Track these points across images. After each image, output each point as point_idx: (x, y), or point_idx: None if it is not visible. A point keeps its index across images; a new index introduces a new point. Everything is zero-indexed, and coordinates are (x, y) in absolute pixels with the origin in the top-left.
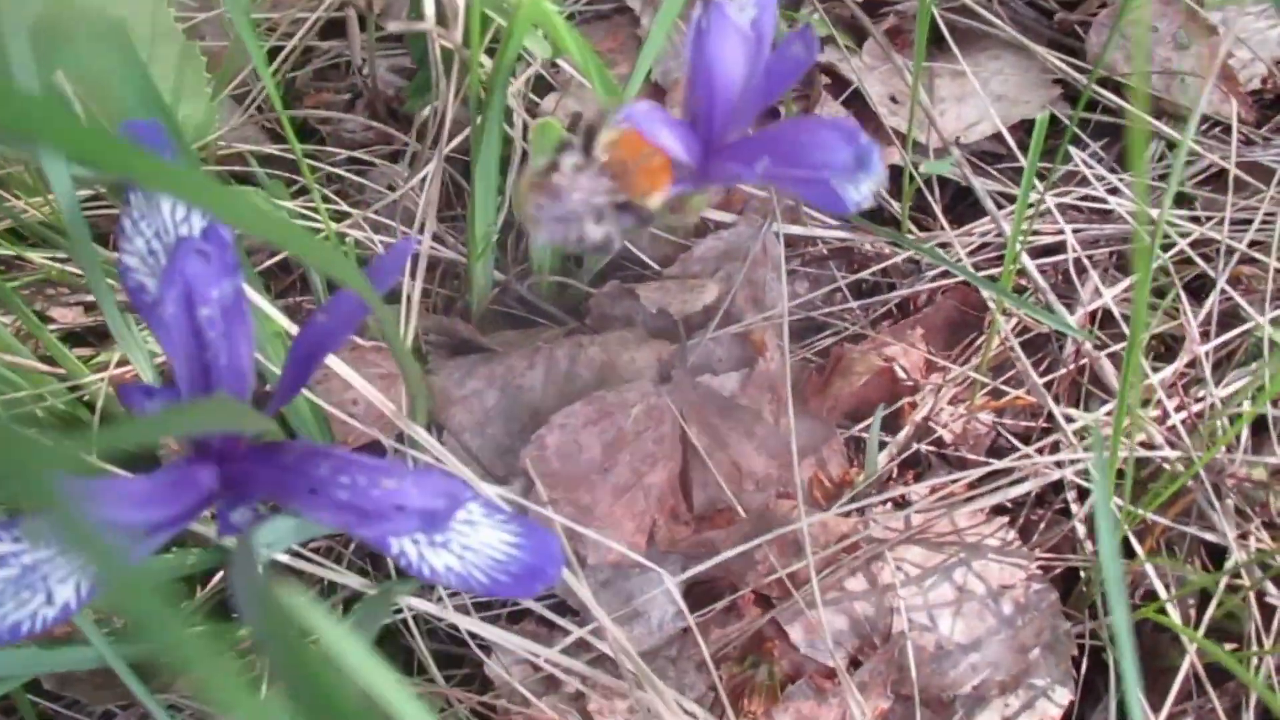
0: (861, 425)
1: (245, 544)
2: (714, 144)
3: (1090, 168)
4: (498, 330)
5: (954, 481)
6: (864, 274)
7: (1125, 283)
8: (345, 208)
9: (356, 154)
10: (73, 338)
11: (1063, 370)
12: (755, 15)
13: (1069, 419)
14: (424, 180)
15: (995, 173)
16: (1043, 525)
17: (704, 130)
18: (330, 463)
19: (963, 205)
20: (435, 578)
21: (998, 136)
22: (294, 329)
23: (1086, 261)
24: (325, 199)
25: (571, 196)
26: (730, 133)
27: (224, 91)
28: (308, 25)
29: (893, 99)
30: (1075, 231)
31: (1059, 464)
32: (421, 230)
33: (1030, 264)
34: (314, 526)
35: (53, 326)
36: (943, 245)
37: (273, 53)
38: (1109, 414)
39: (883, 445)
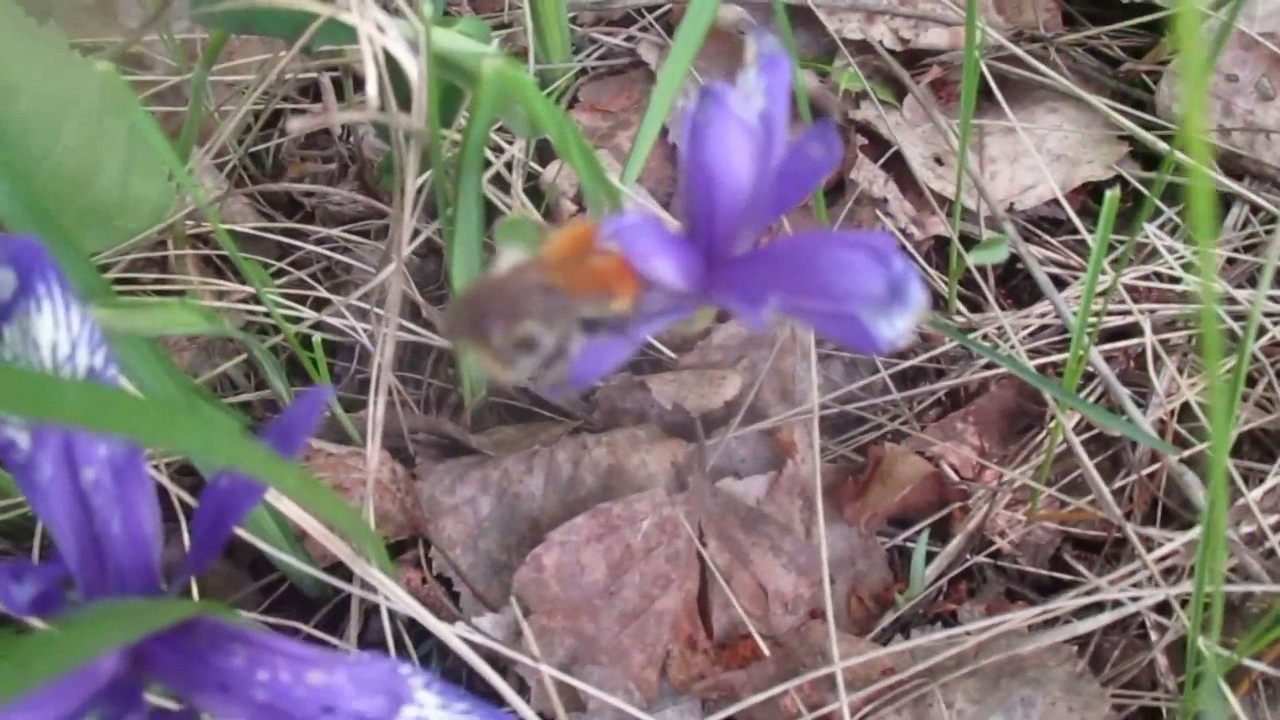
0: (906, 534)
1: None
2: (716, 259)
3: (1161, 239)
4: (496, 425)
5: (1012, 600)
6: (907, 361)
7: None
8: (324, 293)
9: (343, 230)
10: None
11: (1136, 475)
12: (764, 107)
13: (1146, 541)
14: (404, 264)
15: (1055, 243)
16: (1117, 654)
17: (704, 243)
18: (247, 651)
19: (1018, 279)
20: None
21: (1056, 201)
22: None
23: (1160, 348)
24: (304, 283)
25: (496, 314)
26: (736, 245)
27: (188, 165)
28: (268, 85)
29: (937, 160)
30: (1147, 313)
31: (1135, 596)
32: (405, 314)
33: (1097, 356)
34: None
35: None
36: (997, 327)
37: (260, 118)
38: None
39: (930, 557)
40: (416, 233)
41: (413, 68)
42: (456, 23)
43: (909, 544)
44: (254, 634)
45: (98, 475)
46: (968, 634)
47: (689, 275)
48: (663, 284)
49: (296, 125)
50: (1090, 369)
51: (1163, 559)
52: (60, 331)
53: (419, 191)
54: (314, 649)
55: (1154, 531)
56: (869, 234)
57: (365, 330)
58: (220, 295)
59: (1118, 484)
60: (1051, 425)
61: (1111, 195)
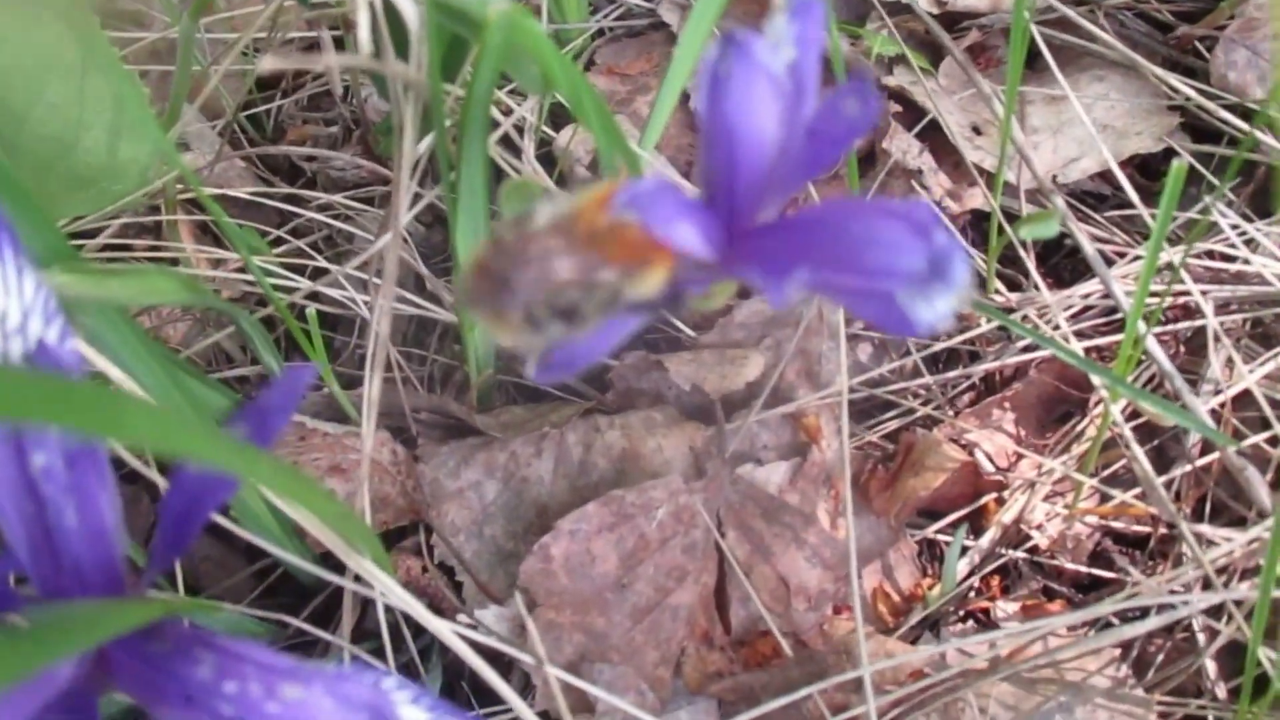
0: (937, 526)
1: None
2: (738, 228)
3: (1227, 216)
4: (503, 404)
5: (1049, 598)
6: (940, 343)
7: (1269, 359)
8: (323, 263)
9: (345, 197)
10: None
11: (1187, 466)
12: (793, 58)
13: (1202, 540)
14: (407, 231)
15: (1100, 219)
16: (1162, 658)
17: (724, 210)
18: (215, 660)
19: (1058, 256)
20: None
21: (1101, 175)
22: None
23: (1220, 331)
24: (304, 252)
25: (527, 279)
26: (759, 213)
27: (179, 126)
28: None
29: (975, 129)
30: (1208, 295)
31: (1184, 598)
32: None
33: (1152, 340)
34: None
35: None
36: (1038, 309)
37: (264, 78)
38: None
39: (963, 551)
40: (419, 198)
41: (410, 10)
42: None
43: (939, 537)
44: (224, 640)
45: (49, 461)
46: (1003, 634)
47: (711, 243)
48: (684, 255)
49: (269, 63)
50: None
51: (1216, 558)
52: (10, 299)
53: (422, 154)
54: (289, 660)
55: (1207, 529)
56: (908, 203)
57: (365, 302)
58: (216, 264)
59: (1164, 477)
60: (1096, 413)
61: (1178, 167)
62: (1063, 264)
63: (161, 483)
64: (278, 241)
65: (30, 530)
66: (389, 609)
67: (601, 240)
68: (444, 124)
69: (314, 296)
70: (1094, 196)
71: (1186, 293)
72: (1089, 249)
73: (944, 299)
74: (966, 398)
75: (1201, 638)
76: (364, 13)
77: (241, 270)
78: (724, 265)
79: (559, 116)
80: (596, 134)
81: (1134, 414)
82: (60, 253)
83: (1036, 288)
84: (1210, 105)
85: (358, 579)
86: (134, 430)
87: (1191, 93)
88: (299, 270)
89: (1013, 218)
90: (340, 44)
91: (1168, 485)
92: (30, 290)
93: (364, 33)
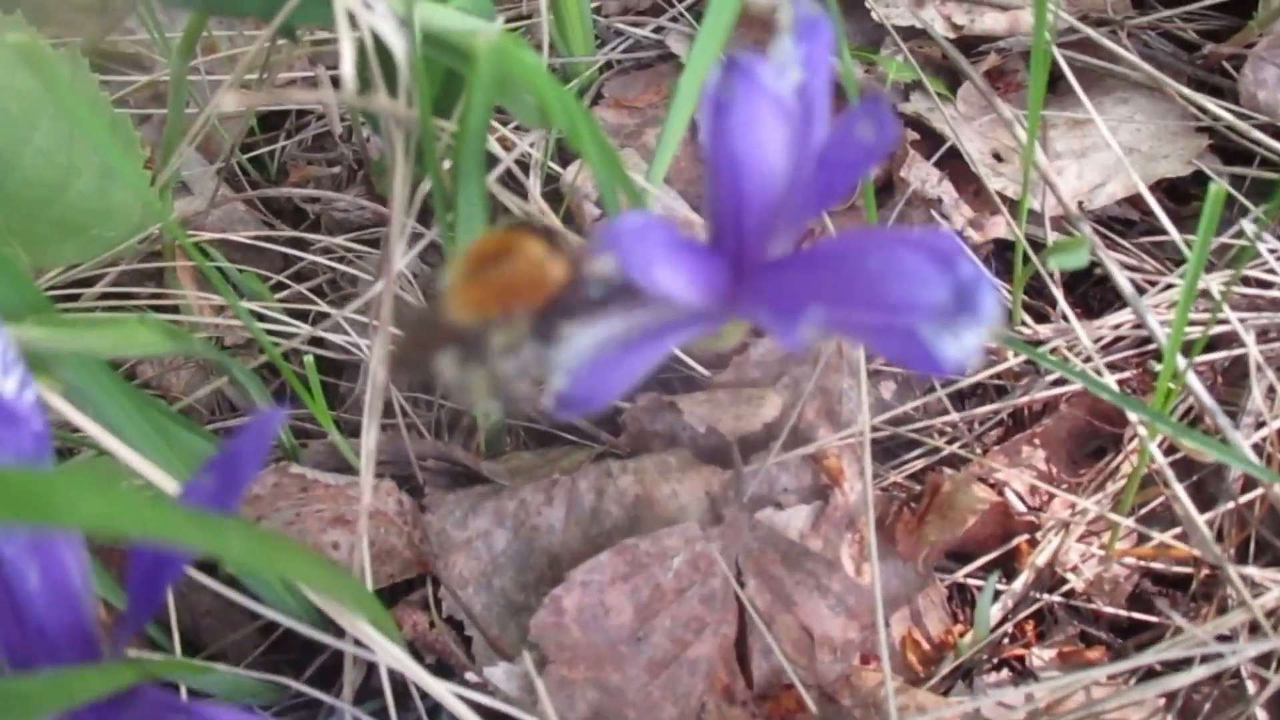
0: (967, 569)
1: None
2: (746, 264)
3: (1266, 242)
4: (512, 451)
5: (1086, 644)
6: (966, 379)
7: None
8: (325, 308)
9: (348, 239)
10: None
11: (1229, 504)
12: (802, 80)
13: (1249, 582)
14: (411, 271)
15: (1129, 246)
16: (1209, 707)
17: (731, 246)
18: None
19: (1086, 285)
20: None
21: (1128, 201)
22: None
23: (1261, 361)
24: (306, 297)
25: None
26: (769, 247)
27: (168, 171)
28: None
29: (996, 156)
30: (1248, 324)
31: (1233, 646)
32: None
33: (1193, 377)
34: None
35: None
36: (1068, 341)
37: (267, 118)
38: None
39: (995, 595)
40: (419, 237)
41: (397, 44)
42: None
43: (970, 580)
44: (203, 709)
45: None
46: (1040, 685)
47: (708, 286)
48: (673, 298)
49: (230, 101)
50: (1171, 386)
51: (1265, 602)
52: None
53: (422, 193)
54: None
55: (1254, 570)
56: (929, 233)
57: (369, 347)
58: (219, 310)
59: (1206, 516)
60: (1130, 448)
61: (1216, 190)
62: (1090, 293)
63: None
64: (280, 286)
65: None
66: (392, 670)
67: (471, 300)
68: (437, 162)
69: (316, 342)
70: (1121, 223)
71: (1222, 321)
72: (1122, 280)
73: (971, 333)
74: (994, 434)
75: (1251, 686)
76: (347, 44)
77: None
78: (732, 305)
79: (566, 152)
80: (595, 166)
81: (1170, 448)
82: (33, 304)
83: (1065, 319)
84: (1241, 125)
85: (348, 637)
86: (77, 515)
87: (1221, 113)
88: (303, 316)
89: (1038, 246)
90: (337, 81)
91: (1210, 524)
92: None
93: (348, 66)
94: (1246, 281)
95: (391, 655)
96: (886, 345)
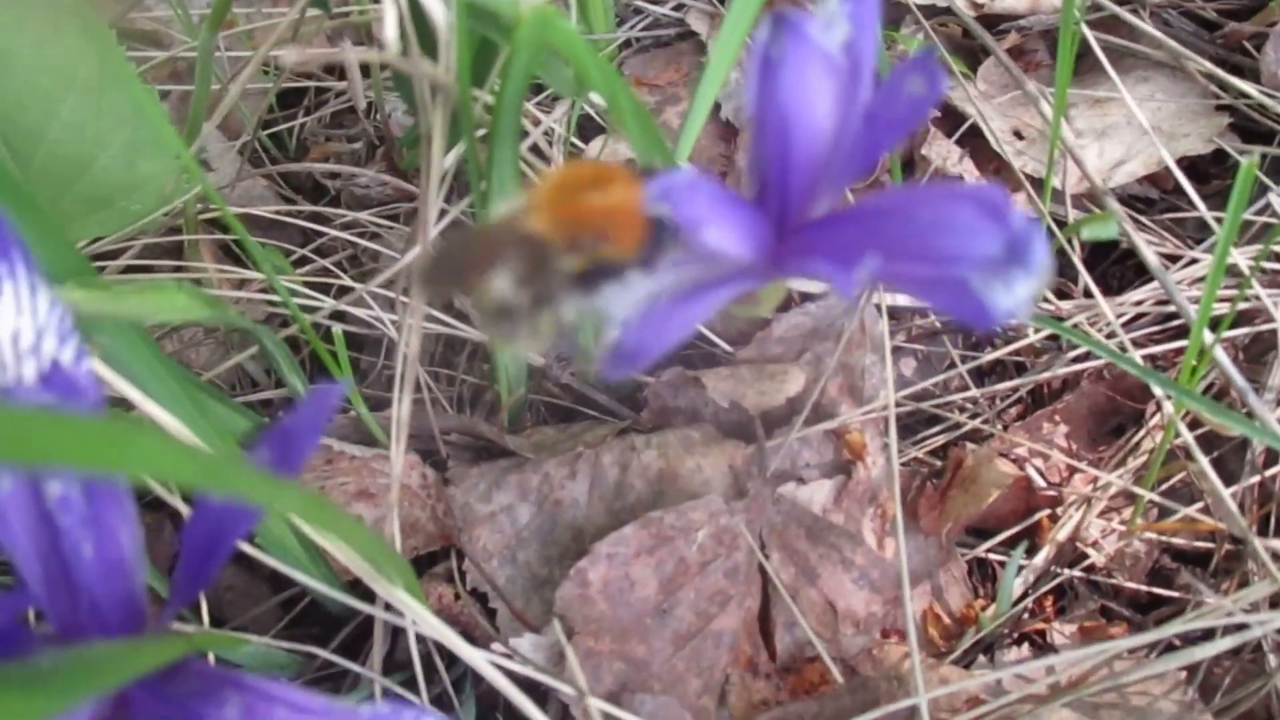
0: (987, 545)
1: None
2: (790, 223)
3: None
4: (534, 425)
5: (1106, 618)
6: (987, 353)
7: None
8: (348, 281)
9: (370, 214)
10: None
11: (1252, 479)
12: (849, 36)
13: (1275, 557)
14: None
15: (1150, 223)
16: (1229, 680)
17: (775, 205)
18: (242, 701)
19: (1106, 263)
20: None
21: (1149, 179)
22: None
23: None
24: (328, 271)
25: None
26: (813, 207)
27: (198, 143)
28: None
29: (1016, 134)
30: (1275, 298)
31: (1257, 617)
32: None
33: (1221, 353)
34: None
35: None
36: (1089, 317)
37: (286, 96)
38: None
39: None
40: (443, 213)
41: (439, 11)
42: None
43: (991, 556)
44: (252, 680)
45: (66, 491)
46: (1062, 659)
47: (755, 243)
48: (722, 253)
49: (292, 57)
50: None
51: None
52: (23, 318)
53: (448, 167)
54: (321, 700)
55: (1277, 543)
56: (979, 186)
57: (392, 321)
58: (240, 284)
59: (1229, 490)
60: (1152, 425)
61: (1247, 166)
62: (1110, 271)
63: (185, 510)
64: (301, 261)
65: (46, 564)
66: (420, 638)
67: (556, 220)
68: (473, 130)
69: (339, 316)
70: (1141, 200)
71: (1246, 298)
72: (1150, 255)
73: (1024, 284)
74: (1014, 411)
75: (1272, 659)
76: (390, 9)
77: (264, 291)
78: (776, 263)
79: (586, 128)
80: (634, 137)
81: (1193, 423)
82: (75, 269)
83: (1089, 295)
84: (1267, 102)
85: (388, 608)
86: (150, 465)
87: (1247, 89)
88: (324, 290)
89: (1059, 224)
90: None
91: (1231, 498)
92: (44, 309)
93: (390, 30)
94: (1270, 258)
95: (427, 622)
96: (937, 296)
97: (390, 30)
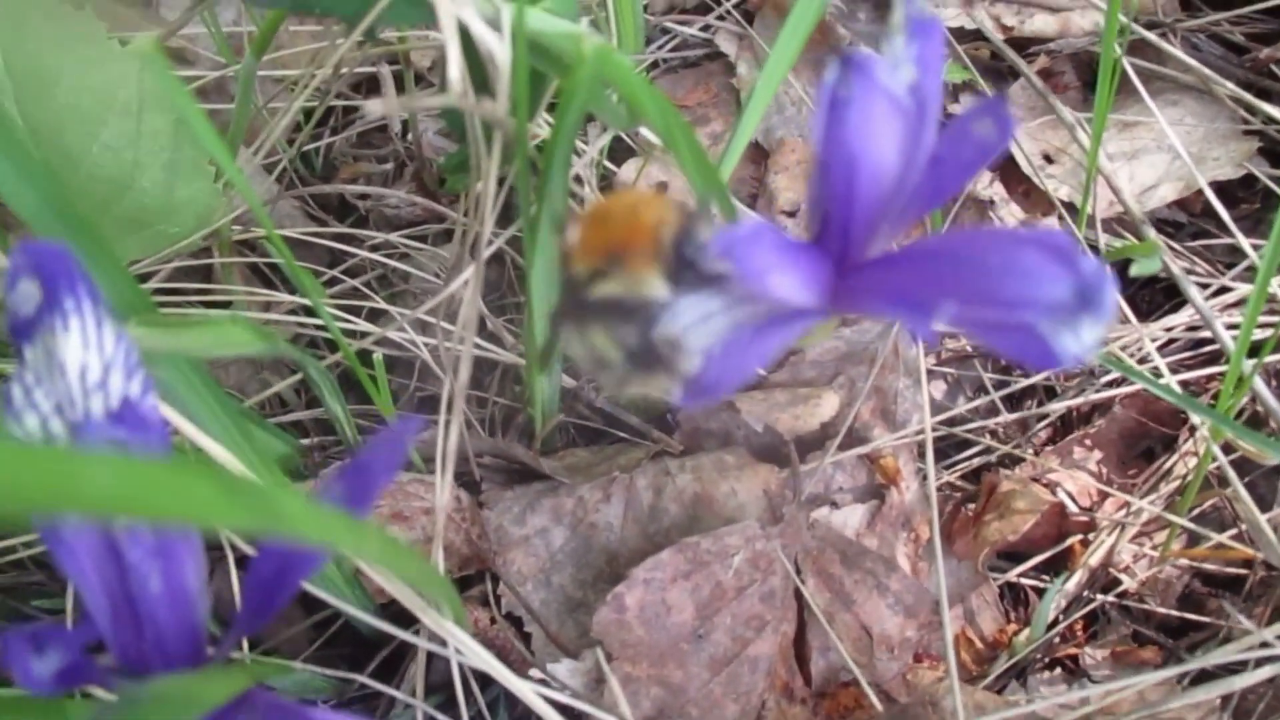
0: (1020, 569)
1: None
2: (850, 262)
3: None
4: (567, 447)
5: (1139, 644)
6: (1018, 377)
7: None
8: (380, 303)
9: (400, 235)
10: None
11: None
12: (915, 79)
13: None
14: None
15: (1180, 248)
16: (1263, 707)
17: (837, 244)
18: None
19: (1134, 288)
20: None
21: (1179, 202)
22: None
23: None
24: (358, 292)
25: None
26: (871, 247)
27: (236, 165)
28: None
29: (1047, 158)
30: None
31: None
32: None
33: (1260, 383)
34: None
35: None
36: (1120, 343)
37: (312, 114)
38: None
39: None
40: (473, 239)
41: (500, 48)
42: None
43: (1023, 580)
44: (315, 713)
45: (134, 524)
46: (1094, 683)
47: (816, 288)
48: (784, 301)
49: (375, 107)
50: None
51: None
52: (90, 353)
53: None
54: None
55: None
56: (1044, 231)
57: (426, 344)
58: (267, 306)
59: (1263, 517)
60: (1185, 450)
61: None
62: (1139, 295)
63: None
64: (331, 281)
65: (113, 597)
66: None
67: (589, 256)
68: (526, 161)
69: (379, 341)
70: (1170, 224)
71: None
72: (1189, 286)
73: (1091, 329)
74: (1044, 435)
75: None
76: (454, 48)
77: (293, 313)
78: (835, 303)
79: (616, 152)
80: (688, 170)
81: (1225, 448)
82: (136, 304)
83: (1125, 321)
84: None
85: (421, 632)
86: (236, 516)
87: (1277, 114)
88: (354, 311)
89: (1091, 248)
90: (399, 77)
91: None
92: (110, 343)
93: (455, 70)
94: None
95: (471, 649)
96: (1002, 339)
97: (455, 71)
